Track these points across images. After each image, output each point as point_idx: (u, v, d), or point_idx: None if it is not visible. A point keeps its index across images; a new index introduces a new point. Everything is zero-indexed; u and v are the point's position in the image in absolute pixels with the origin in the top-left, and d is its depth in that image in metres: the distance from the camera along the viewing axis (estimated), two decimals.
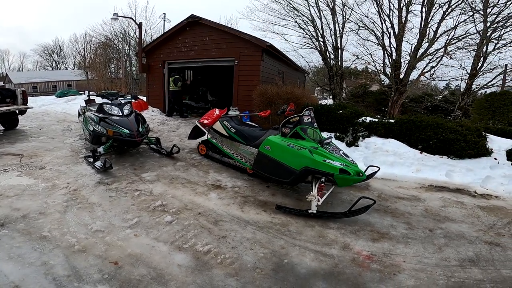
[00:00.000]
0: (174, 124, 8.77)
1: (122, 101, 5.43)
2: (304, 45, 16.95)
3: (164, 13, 23.89)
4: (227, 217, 3.28)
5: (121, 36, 29.02)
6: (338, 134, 5.89)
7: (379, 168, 3.84)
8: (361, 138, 5.75)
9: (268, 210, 3.49)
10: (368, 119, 6.40)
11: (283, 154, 3.63)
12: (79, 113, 6.54)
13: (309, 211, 3.28)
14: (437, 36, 10.85)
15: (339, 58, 16.34)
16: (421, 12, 10.96)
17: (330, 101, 17.70)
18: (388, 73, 12.49)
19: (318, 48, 16.64)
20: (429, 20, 10.91)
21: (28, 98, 7.77)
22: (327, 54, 16.61)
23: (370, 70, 15.74)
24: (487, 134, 5.72)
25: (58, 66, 49.32)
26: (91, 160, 4.60)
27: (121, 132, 4.59)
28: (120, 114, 4.95)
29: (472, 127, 5.91)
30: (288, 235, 2.97)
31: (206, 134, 5.01)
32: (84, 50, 39.49)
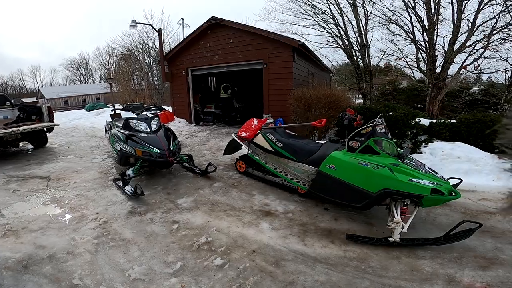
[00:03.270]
0: (203, 136, 8.27)
1: (149, 115, 4.94)
2: (327, 44, 16.06)
3: (183, 18, 23.82)
4: (289, 254, 2.66)
5: (141, 47, 29.47)
6: (394, 140, 5.07)
7: (461, 180, 3.11)
8: (423, 143, 4.92)
9: (336, 241, 2.86)
10: (423, 120, 5.57)
11: (354, 174, 2.94)
12: (105, 129, 6.20)
13: (390, 239, 2.68)
14: (476, 27, 9.86)
15: (366, 55, 15.41)
16: (451, 3, 10.09)
17: (358, 101, 16.71)
18: (422, 68, 11.54)
19: (342, 47, 15.77)
20: (462, 11, 9.99)
21: (60, 112, 7.58)
22: (353, 52, 15.73)
23: (397, 66, 14.75)
24: None
25: (86, 79, 51.50)
26: (121, 184, 4.13)
27: (151, 151, 4.05)
28: (148, 130, 4.44)
29: None
30: (372, 273, 2.40)
31: (247, 149, 4.38)
32: (108, 63, 40.70)
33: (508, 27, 9.15)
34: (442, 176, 2.86)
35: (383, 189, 2.75)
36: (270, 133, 4.01)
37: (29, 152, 6.90)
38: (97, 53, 57.32)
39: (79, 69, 52.20)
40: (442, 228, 2.98)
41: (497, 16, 9.16)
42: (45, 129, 7.01)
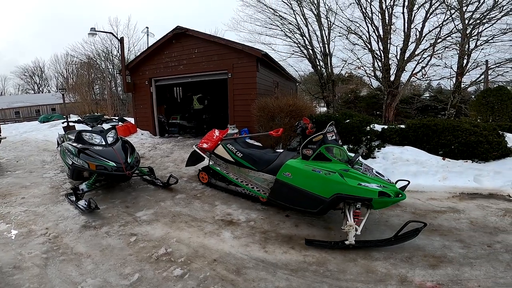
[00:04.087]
0: (167, 148, 8.08)
1: (105, 127, 4.78)
2: (293, 53, 16.71)
3: (147, 27, 23.33)
4: (250, 262, 2.69)
5: (104, 55, 28.18)
6: (351, 147, 5.38)
7: (409, 182, 3.37)
8: (376, 148, 5.26)
9: (296, 247, 2.93)
10: (377, 126, 5.98)
11: (308, 181, 3.07)
12: (57, 142, 5.86)
13: (346, 242, 2.79)
14: (423, 36, 10.82)
15: (329, 65, 16.20)
16: (403, 13, 11.02)
17: (323, 109, 17.44)
18: (379, 76, 12.36)
19: (307, 56, 16.47)
20: (412, 20, 10.94)
21: (10, 124, 7.03)
22: (317, 61, 16.46)
23: (357, 75, 15.68)
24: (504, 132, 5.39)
25: (41, 89, 47.46)
26: (74, 199, 3.91)
27: (106, 165, 3.91)
28: (103, 143, 4.28)
29: (488, 126, 5.55)
30: (330, 276, 2.47)
31: (208, 160, 4.38)
32: (66, 71, 38.23)
33: (451, 35, 10.18)
34: (388, 179, 3.08)
35: (335, 194, 2.88)
36: (230, 143, 4.07)
37: None
38: (54, 61, 53.26)
39: (33, 78, 48.27)
40: (394, 228, 3.11)
41: (441, 25, 10.13)
42: None
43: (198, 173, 4.87)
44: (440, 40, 10.28)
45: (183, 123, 10.13)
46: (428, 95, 19.56)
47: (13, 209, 3.88)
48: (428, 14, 10.55)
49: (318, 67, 16.51)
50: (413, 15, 10.87)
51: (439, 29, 10.25)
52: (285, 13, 15.59)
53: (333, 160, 3.04)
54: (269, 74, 9.43)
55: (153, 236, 3.15)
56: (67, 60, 35.30)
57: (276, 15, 15.74)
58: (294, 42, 16.29)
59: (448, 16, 10.00)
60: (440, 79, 11.81)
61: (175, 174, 4.96)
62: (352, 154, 3.40)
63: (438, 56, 10.73)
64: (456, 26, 10.04)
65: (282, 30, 16.15)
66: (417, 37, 10.79)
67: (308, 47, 16.09)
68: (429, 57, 10.59)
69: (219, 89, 11.75)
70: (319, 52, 16.26)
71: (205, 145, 4.35)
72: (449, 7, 9.91)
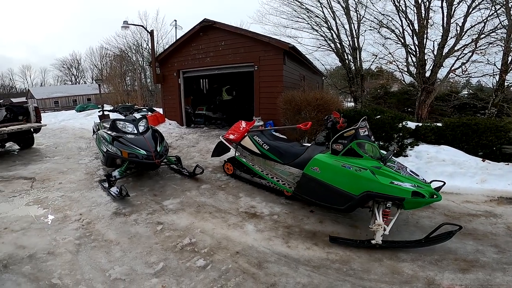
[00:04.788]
0: (193, 138, 8.25)
1: (137, 116, 4.94)
2: (319, 47, 16.24)
3: (175, 20, 23.74)
4: (272, 256, 2.66)
5: (135, 48, 29.24)
6: (381, 143, 5.15)
7: (444, 183, 3.14)
8: (409, 146, 4.99)
9: (319, 243, 2.87)
10: (410, 123, 5.66)
11: (337, 176, 2.96)
12: (93, 130, 6.17)
13: (373, 241, 2.69)
14: (464, 31, 10.04)
15: (358, 59, 15.59)
16: (442, 7, 10.28)
17: (349, 104, 16.89)
18: (412, 72, 11.69)
19: (335, 50, 15.95)
20: (452, 15, 10.18)
21: (50, 113, 7.51)
22: (345, 55, 15.91)
23: (388, 70, 14.94)
24: None
25: (78, 80, 50.69)
26: (106, 185, 4.10)
27: (137, 153, 4.05)
28: (135, 131, 4.45)
29: None
30: (353, 275, 2.40)
31: (234, 151, 4.38)
32: (100, 63, 40.19)
33: (496, 31, 9.36)
34: (423, 179, 2.91)
35: (365, 192, 2.77)
36: (257, 135, 4.03)
37: (16, 152, 6.82)
38: (90, 53, 56.35)
39: (71, 69, 51.47)
40: (425, 230, 3.00)
41: (485, 20, 9.35)
42: (32, 129, 6.94)
43: (223, 164, 4.90)
44: (483, 36, 9.52)
45: (208, 114, 10.29)
46: (467, 92, 18.24)
47: (50, 194, 4.12)
48: (471, 9, 9.79)
49: (346, 61, 15.94)
50: (453, 10, 10.16)
51: (482, 24, 9.50)
52: (311, 5, 15.15)
53: (365, 157, 2.92)
54: (295, 67, 9.26)
55: (178, 225, 3.22)
56: (102, 53, 37.01)
57: (303, 8, 15.33)
58: (321, 36, 15.80)
59: (493, 11, 9.22)
60: (481, 76, 10.87)
61: (201, 164, 5.05)
62: (384, 152, 3.24)
63: (481, 52, 9.98)
64: (502, 22, 9.20)
65: (308, 23, 15.71)
66: (458, 32, 10.06)
67: (336, 40, 15.55)
68: (471, 53, 9.85)
69: (244, 81, 11.75)
70: (347, 46, 15.67)
71: (231, 136, 4.35)
72: (494, 2, 9.12)
